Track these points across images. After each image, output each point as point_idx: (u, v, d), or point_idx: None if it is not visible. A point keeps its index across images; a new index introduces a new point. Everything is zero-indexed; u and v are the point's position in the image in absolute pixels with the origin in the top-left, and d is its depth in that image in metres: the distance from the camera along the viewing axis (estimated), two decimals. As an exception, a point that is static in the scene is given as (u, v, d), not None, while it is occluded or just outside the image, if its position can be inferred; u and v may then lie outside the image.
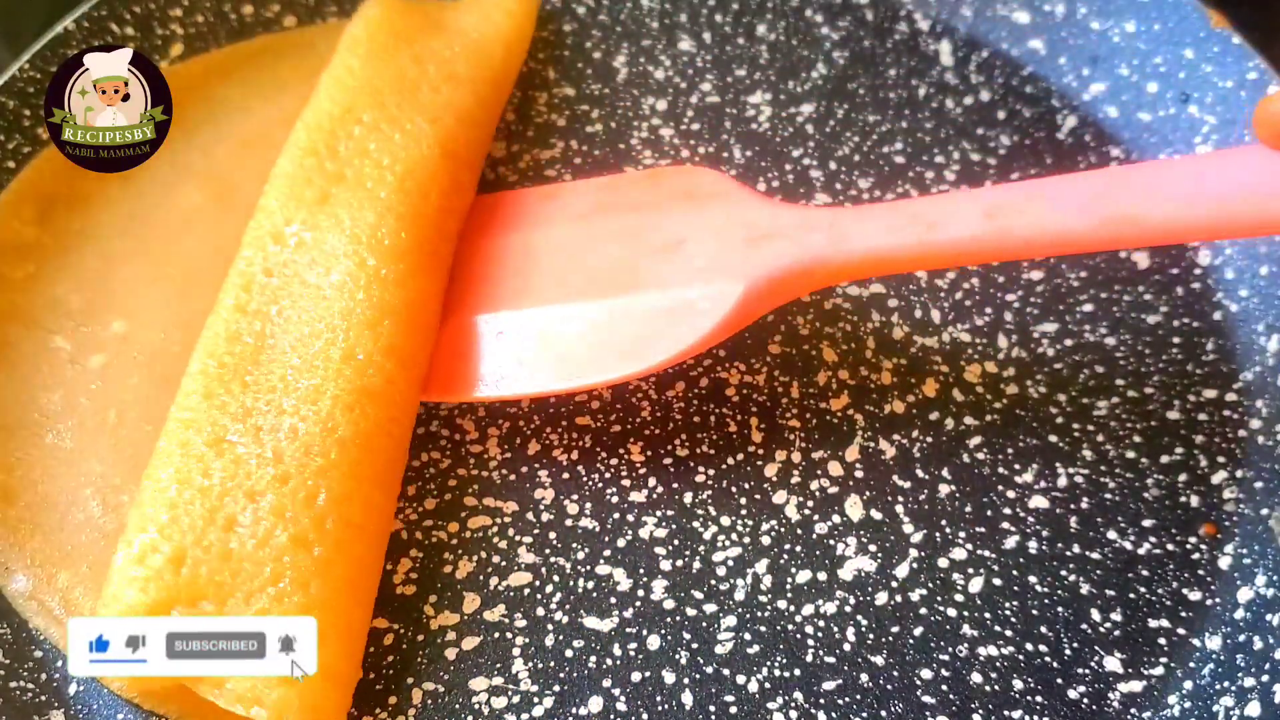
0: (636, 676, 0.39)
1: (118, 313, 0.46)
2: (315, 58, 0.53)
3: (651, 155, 0.52)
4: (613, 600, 0.41)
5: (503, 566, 0.41)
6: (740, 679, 0.39)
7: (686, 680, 0.39)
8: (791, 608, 0.40)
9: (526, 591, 0.41)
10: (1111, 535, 0.41)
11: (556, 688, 0.39)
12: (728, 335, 0.41)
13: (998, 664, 0.39)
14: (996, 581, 0.40)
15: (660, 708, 0.38)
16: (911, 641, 0.39)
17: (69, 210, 0.49)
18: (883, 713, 0.38)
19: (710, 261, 0.42)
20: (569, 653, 0.39)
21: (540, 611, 0.40)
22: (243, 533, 0.38)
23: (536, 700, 0.38)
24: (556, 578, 0.41)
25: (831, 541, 0.42)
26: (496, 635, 0.40)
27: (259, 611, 0.36)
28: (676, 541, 0.42)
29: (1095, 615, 0.40)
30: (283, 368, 0.41)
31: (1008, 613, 0.40)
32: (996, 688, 0.38)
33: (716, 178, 0.45)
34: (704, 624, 0.40)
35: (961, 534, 0.41)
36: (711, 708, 0.38)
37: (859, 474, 0.43)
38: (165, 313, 0.46)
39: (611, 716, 0.38)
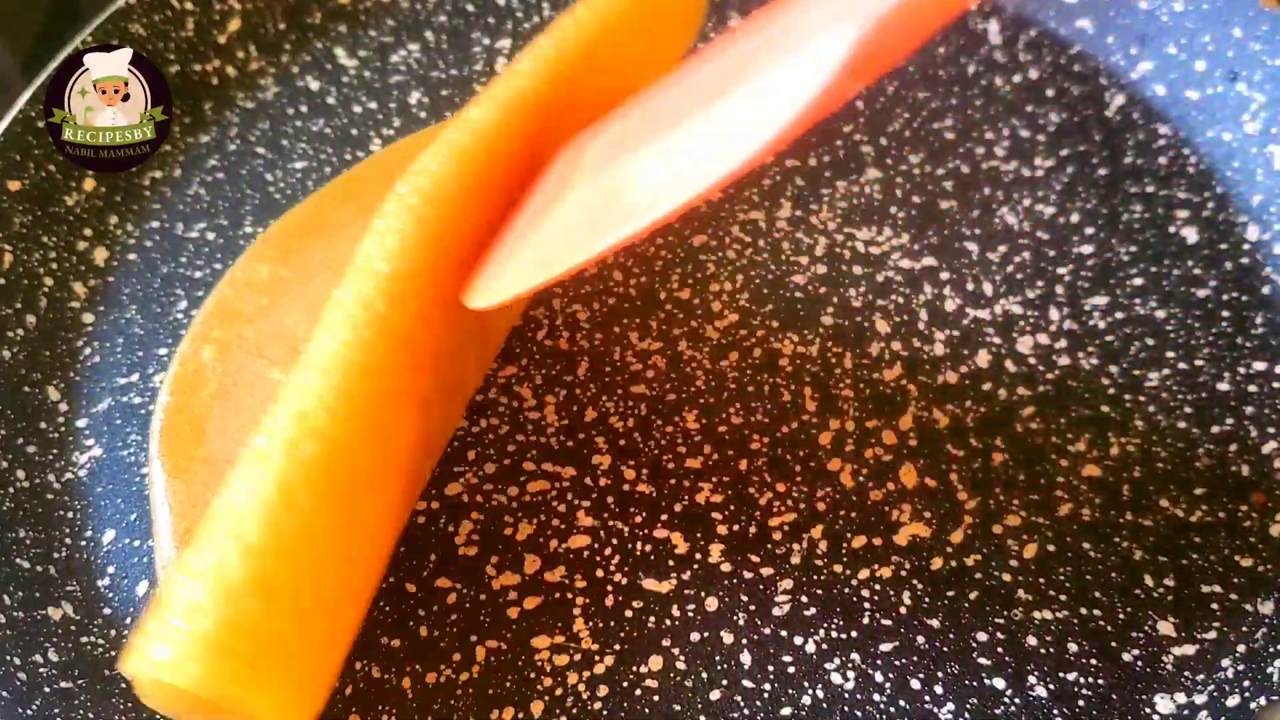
0: (695, 636, 0.40)
1: None
2: None
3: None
4: (670, 563, 0.41)
5: (562, 529, 0.42)
6: (798, 640, 0.39)
7: (745, 641, 0.39)
8: (847, 572, 0.41)
9: (585, 554, 0.41)
10: (1164, 503, 0.42)
11: (617, 646, 0.39)
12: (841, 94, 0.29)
13: (1052, 627, 0.39)
14: (1051, 548, 0.41)
15: (719, 667, 0.39)
16: (967, 605, 0.40)
17: (316, 240, 0.48)
18: (939, 673, 0.38)
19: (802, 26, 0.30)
20: (629, 613, 0.40)
21: (599, 573, 0.41)
22: None
23: (598, 658, 0.39)
24: (615, 541, 0.42)
25: (886, 508, 0.42)
26: (557, 595, 0.40)
27: None
28: (732, 507, 0.42)
29: (1148, 580, 0.40)
30: None
31: (1062, 578, 0.40)
32: (1051, 650, 0.39)
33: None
34: (761, 586, 0.40)
35: (1015, 501, 0.42)
36: (770, 667, 0.39)
37: (913, 442, 0.43)
38: None
39: (671, 675, 0.39)
